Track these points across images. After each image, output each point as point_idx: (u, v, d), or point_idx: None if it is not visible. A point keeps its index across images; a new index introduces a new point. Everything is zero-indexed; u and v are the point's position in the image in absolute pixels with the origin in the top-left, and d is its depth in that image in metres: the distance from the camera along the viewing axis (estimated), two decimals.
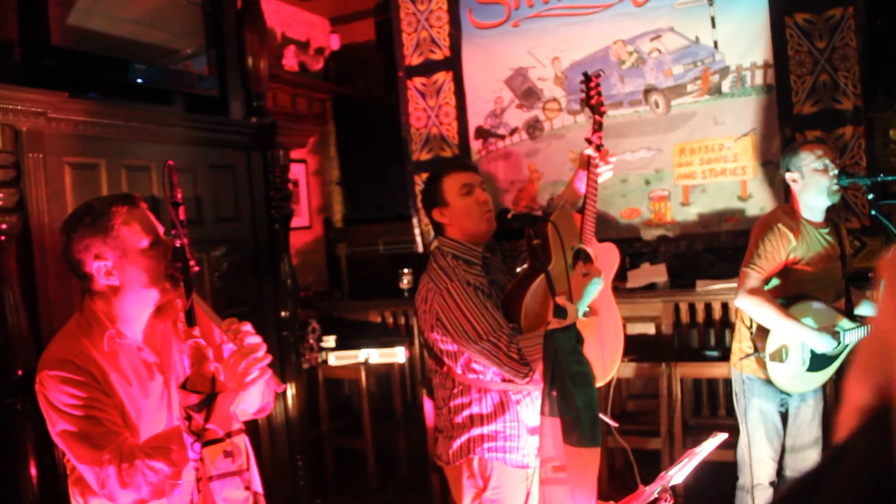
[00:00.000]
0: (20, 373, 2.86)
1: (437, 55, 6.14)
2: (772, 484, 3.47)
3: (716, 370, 4.57)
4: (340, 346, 5.46)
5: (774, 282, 3.37)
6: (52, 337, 2.10)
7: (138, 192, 2.16)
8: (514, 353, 2.46)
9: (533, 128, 5.89)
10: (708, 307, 5.03)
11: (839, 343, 3.29)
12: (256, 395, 2.14)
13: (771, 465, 3.45)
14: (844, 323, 3.36)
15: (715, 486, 3.85)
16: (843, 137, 4.97)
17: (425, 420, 4.61)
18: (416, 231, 6.23)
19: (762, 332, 3.31)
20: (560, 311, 2.26)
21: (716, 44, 5.32)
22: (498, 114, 5.99)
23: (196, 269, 1.85)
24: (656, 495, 2.06)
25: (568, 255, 2.72)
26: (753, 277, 3.29)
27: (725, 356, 4.38)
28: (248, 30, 4.30)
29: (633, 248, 5.56)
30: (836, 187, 3.29)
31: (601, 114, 2.95)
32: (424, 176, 6.11)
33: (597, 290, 2.68)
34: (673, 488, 2.11)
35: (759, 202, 5.27)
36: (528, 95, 5.89)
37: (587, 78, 2.98)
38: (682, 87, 5.44)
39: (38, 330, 2.99)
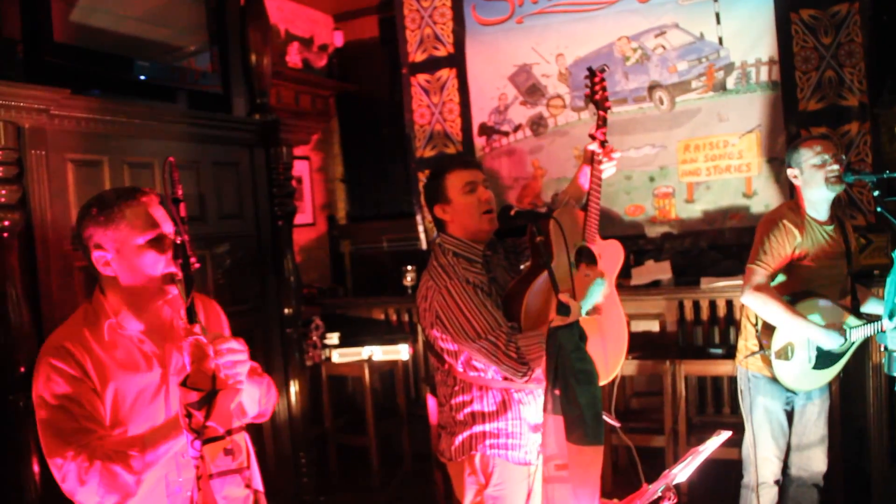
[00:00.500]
0: (22, 370, 2.86)
1: (441, 52, 6.13)
2: (776, 482, 3.46)
3: (720, 368, 4.55)
4: (344, 343, 5.45)
5: (780, 278, 3.36)
6: None
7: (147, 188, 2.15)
8: (512, 352, 2.46)
9: (537, 124, 5.88)
10: (712, 304, 5.01)
11: (846, 340, 3.27)
12: (254, 401, 2.16)
13: (776, 463, 3.43)
14: (851, 320, 3.34)
15: (719, 484, 3.84)
16: (849, 134, 4.95)
17: (428, 417, 4.60)
18: (420, 228, 6.22)
19: (768, 330, 3.30)
20: (563, 309, 2.25)
21: (721, 40, 5.29)
22: (502, 110, 5.98)
23: (197, 265, 1.84)
24: (660, 493, 2.05)
25: (571, 252, 2.71)
26: (759, 274, 3.29)
27: (730, 354, 4.38)
28: (251, 26, 4.29)
29: (638, 245, 5.54)
30: (833, 178, 3.28)
31: (606, 109, 2.93)
32: (428, 173, 6.12)
33: (600, 291, 2.67)
34: (677, 486, 2.10)
35: (764, 199, 5.25)
36: (532, 92, 5.87)
37: (591, 73, 2.96)
38: (687, 84, 5.41)
39: (41, 327, 2.99)
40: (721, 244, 5.36)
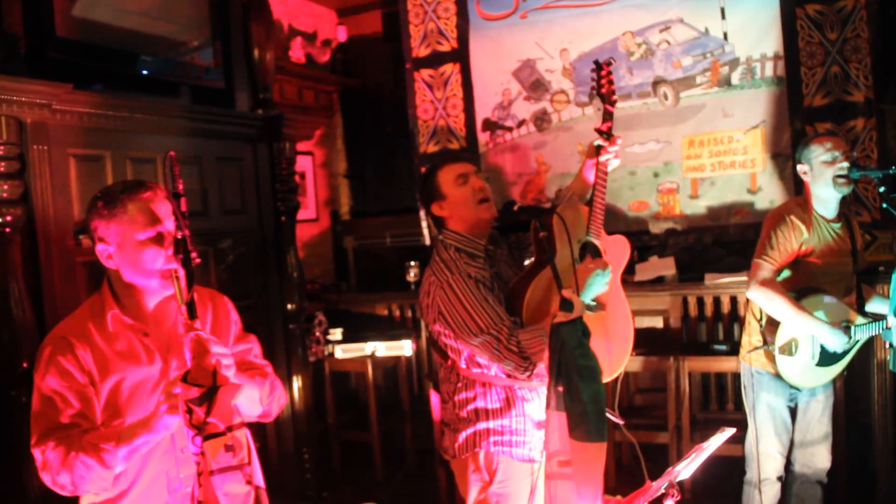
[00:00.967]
0: (25, 365, 2.86)
1: (445, 47, 6.11)
2: (779, 479, 3.45)
3: (724, 364, 4.54)
4: (347, 338, 5.45)
5: (785, 273, 3.35)
6: None
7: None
8: (513, 346, 2.45)
9: (541, 120, 5.86)
10: (716, 301, 5.00)
11: (850, 339, 3.26)
12: (253, 402, 2.16)
13: (779, 459, 3.42)
14: (856, 319, 3.33)
15: (723, 480, 3.83)
16: (855, 129, 4.93)
17: (432, 413, 4.60)
18: (424, 223, 6.21)
19: (772, 325, 3.29)
20: (566, 305, 2.24)
21: (725, 35, 5.27)
22: (505, 106, 5.96)
23: (197, 261, 1.84)
24: (663, 490, 2.04)
25: (575, 247, 2.69)
26: (766, 268, 3.28)
27: (734, 350, 4.36)
28: (254, 21, 4.28)
29: (642, 241, 5.52)
30: (842, 179, 3.27)
31: (612, 103, 2.89)
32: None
33: (602, 281, 2.64)
34: (680, 483, 2.09)
35: (769, 195, 5.23)
36: (536, 87, 5.86)
37: (598, 66, 2.92)
38: (692, 79, 5.39)
39: (43, 322, 2.99)
40: (725, 240, 5.34)
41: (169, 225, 2.05)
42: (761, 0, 5.13)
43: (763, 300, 3.26)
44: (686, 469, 2.10)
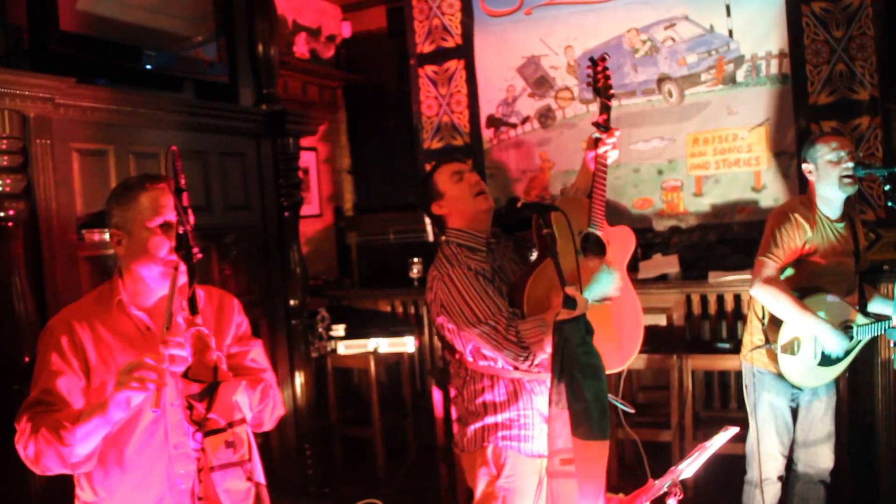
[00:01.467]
0: (27, 359, 2.86)
1: (449, 43, 6.10)
2: (780, 479, 3.44)
3: (727, 363, 4.53)
4: (350, 334, 5.44)
5: (788, 272, 3.33)
6: None
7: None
8: (512, 336, 2.48)
9: (545, 116, 5.85)
10: (720, 299, 4.98)
11: (850, 340, 3.25)
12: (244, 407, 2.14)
13: (780, 459, 3.41)
14: (858, 319, 3.32)
15: (725, 479, 3.82)
16: (860, 128, 4.91)
17: (434, 409, 4.60)
18: (427, 220, 6.20)
19: (774, 324, 3.27)
20: (569, 302, 2.24)
21: (731, 32, 5.25)
22: (510, 102, 5.95)
23: (199, 256, 1.83)
24: (666, 489, 2.03)
25: (577, 241, 2.71)
26: (770, 266, 3.26)
27: (737, 348, 4.33)
28: (258, 17, 4.27)
29: (646, 238, 5.51)
30: (848, 179, 3.26)
31: (609, 97, 2.93)
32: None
33: (608, 280, 2.68)
34: (683, 482, 2.08)
35: (773, 193, 5.21)
36: (541, 84, 5.84)
37: (594, 62, 2.97)
38: (696, 77, 5.38)
39: (45, 316, 2.97)
40: (729, 238, 5.33)
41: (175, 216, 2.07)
42: None
43: (767, 298, 3.25)
44: (689, 468, 2.10)
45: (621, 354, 2.79)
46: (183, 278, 1.84)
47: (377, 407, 5.26)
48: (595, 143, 2.87)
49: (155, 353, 1.78)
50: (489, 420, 2.69)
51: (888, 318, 3.28)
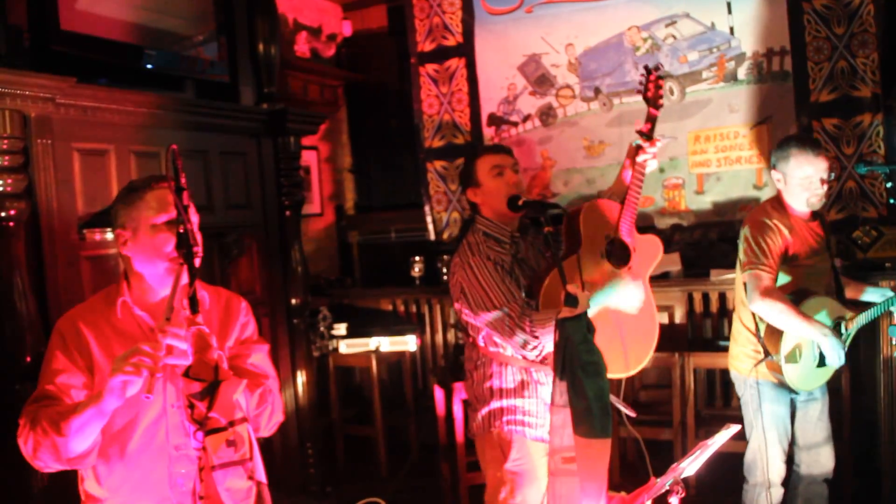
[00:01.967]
0: (28, 359, 2.86)
1: (450, 41, 6.09)
2: (783, 484, 3.43)
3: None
4: (351, 333, 5.44)
5: (783, 279, 3.29)
6: None
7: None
8: (525, 324, 2.56)
9: (546, 115, 5.84)
10: (722, 297, 4.98)
11: (845, 341, 3.24)
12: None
13: (783, 466, 3.40)
14: (847, 313, 3.31)
15: (727, 477, 3.82)
16: (861, 125, 4.90)
17: (436, 408, 4.60)
18: (429, 219, 6.20)
19: (773, 335, 3.23)
20: (571, 300, 2.24)
21: (732, 30, 5.25)
22: (511, 101, 5.95)
23: (200, 255, 1.83)
24: (668, 487, 2.03)
25: (599, 244, 2.81)
26: (765, 278, 3.19)
27: None
28: (259, 16, 4.27)
29: None
30: (815, 201, 3.25)
31: (658, 107, 2.96)
32: (437, 163, 6.12)
33: (620, 290, 2.76)
34: (685, 480, 2.08)
35: (774, 190, 5.19)
36: (542, 82, 5.84)
37: (648, 70, 2.99)
38: (698, 74, 5.37)
39: (47, 316, 2.98)
40: (731, 236, 5.29)
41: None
42: None
43: (769, 312, 3.18)
44: (691, 466, 2.10)
45: (625, 362, 2.83)
46: (186, 276, 1.84)
47: (379, 406, 5.27)
48: (636, 150, 2.91)
49: (153, 342, 1.79)
50: (495, 405, 2.77)
51: (872, 304, 3.28)
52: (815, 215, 3.39)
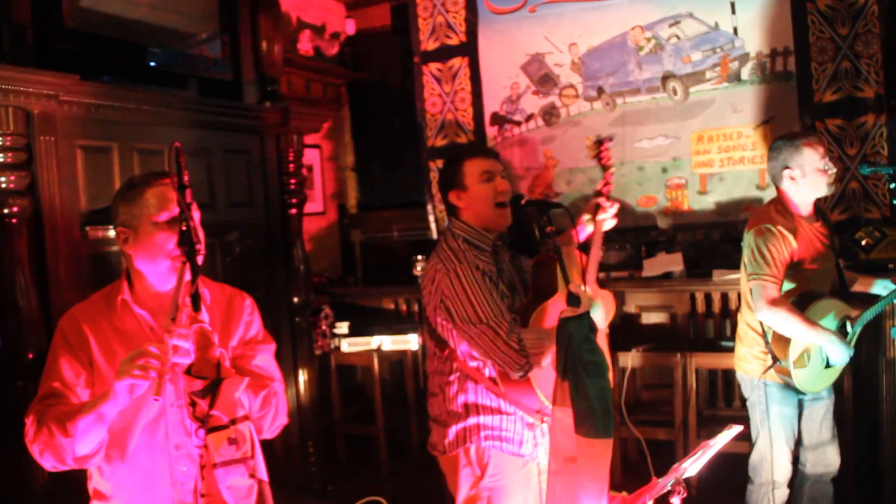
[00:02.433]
0: (31, 356, 2.86)
1: (453, 40, 6.09)
2: (788, 485, 3.42)
3: (731, 361, 4.48)
4: (353, 332, 5.45)
5: (787, 286, 3.27)
6: None
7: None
8: (514, 342, 2.46)
9: (549, 114, 5.84)
10: (724, 297, 4.97)
11: (851, 341, 3.23)
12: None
13: (789, 467, 3.39)
14: (853, 312, 3.30)
15: (730, 477, 3.81)
16: (865, 126, 4.89)
17: None
18: (431, 217, 6.20)
19: (780, 341, 3.21)
20: (573, 299, 2.23)
21: (735, 30, 5.24)
22: (514, 100, 5.94)
23: (202, 252, 1.83)
24: (669, 487, 2.03)
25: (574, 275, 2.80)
26: (771, 288, 3.16)
27: None
28: (262, 14, 4.27)
29: (650, 236, 5.50)
30: (831, 181, 3.25)
31: (611, 171, 3.09)
32: (439, 162, 6.11)
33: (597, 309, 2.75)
34: (687, 480, 2.08)
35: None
36: (545, 81, 5.83)
37: (599, 141, 3.13)
38: (701, 74, 5.36)
39: (49, 313, 2.98)
40: (734, 236, 5.30)
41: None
42: None
43: (776, 321, 3.16)
44: (693, 466, 2.10)
45: None
46: (188, 273, 1.83)
47: (380, 404, 5.26)
48: (595, 209, 2.98)
49: (160, 343, 1.78)
50: (472, 421, 2.66)
51: (877, 297, 3.27)
52: (817, 215, 3.37)
